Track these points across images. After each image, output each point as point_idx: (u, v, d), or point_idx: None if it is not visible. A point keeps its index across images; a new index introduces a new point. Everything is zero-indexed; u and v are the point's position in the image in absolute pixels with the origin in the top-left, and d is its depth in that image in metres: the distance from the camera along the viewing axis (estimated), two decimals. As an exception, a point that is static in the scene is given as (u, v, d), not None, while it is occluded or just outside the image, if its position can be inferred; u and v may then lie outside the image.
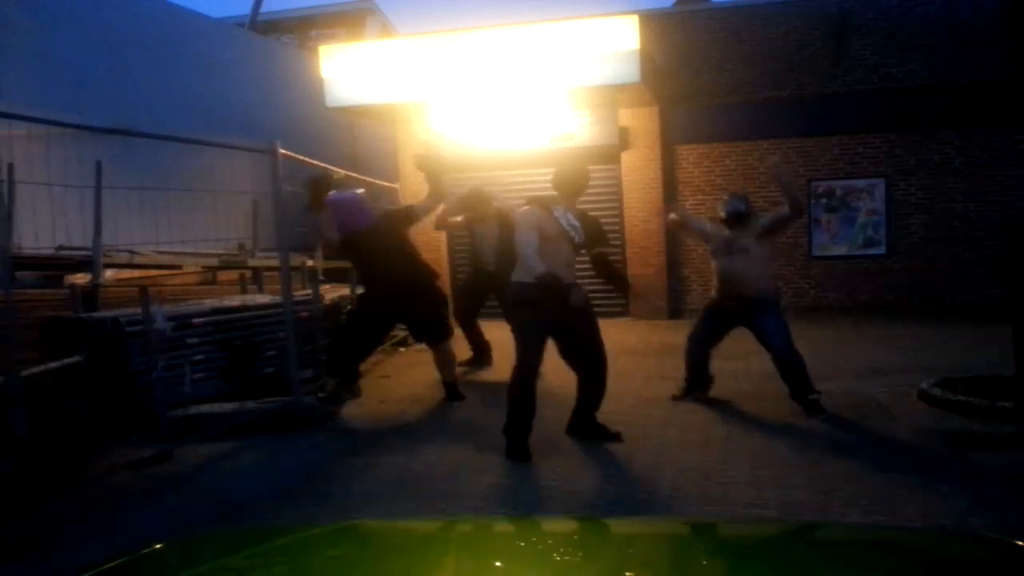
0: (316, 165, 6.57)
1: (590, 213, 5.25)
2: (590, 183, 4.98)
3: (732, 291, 5.54)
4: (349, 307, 7.51)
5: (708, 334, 5.78)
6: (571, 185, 4.76)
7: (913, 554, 1.36)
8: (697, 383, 5.86)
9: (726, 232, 5.61)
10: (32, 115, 5.15)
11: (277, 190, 5.69)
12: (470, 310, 7.46)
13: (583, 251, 4.89)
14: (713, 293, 5.83)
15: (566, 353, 4.87)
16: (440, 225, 7.54)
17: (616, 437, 4.84)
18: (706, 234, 5.86)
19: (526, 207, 4.76)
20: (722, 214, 5.66)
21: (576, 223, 4.67)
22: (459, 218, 7.36)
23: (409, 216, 6.43)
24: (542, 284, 4.38)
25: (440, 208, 6.84)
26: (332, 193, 6.08)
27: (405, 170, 10.90)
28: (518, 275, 4.61)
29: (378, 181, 8.76)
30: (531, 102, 9.69)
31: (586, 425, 4.92)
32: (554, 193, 4.79)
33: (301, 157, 6.19)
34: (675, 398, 5.86)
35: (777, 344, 5.45)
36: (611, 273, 5.18)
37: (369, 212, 6.21)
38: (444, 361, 6.26)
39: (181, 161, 7.98)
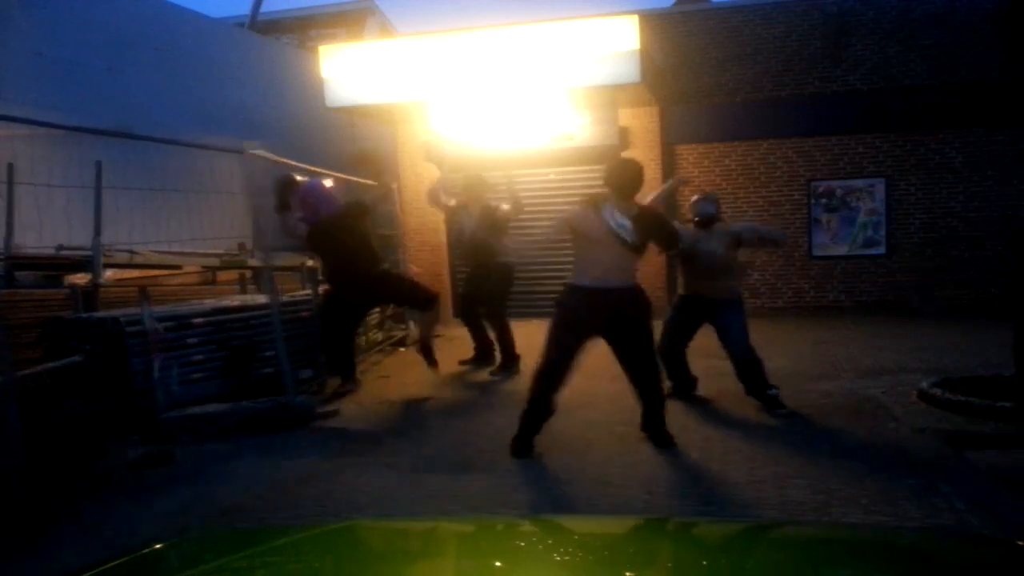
0: (292, 165, 6.63)
1: (658, 212, 5.04)
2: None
3: (698, 290, 5.61)
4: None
5: (677, 329, 5.75)
6: (623, 181, 4.52)
7: (913, 554, 1.36)
8: (682, 386, 5.83)
9: (694, 231, 5.64)
10: (32, 116, 5.15)
11: (250, 189, 5.71)
12: (471, 305, 7.37)
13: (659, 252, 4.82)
14: (679, 290, 5.84)
15: (620, 360, 4.71)
16: (432, 201, 7.74)
17: (671, 443, 4.66)
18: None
19: (577, 206, 4.62)
20: (693, 217, 5.69)
21: (626, 222, 4.43)
22: (453, 201, 7.41)
23: (363, 207, 6.68)
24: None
25: (433, 184, 7.51)
26: (301, 180, 6.40)
27: (404, 170, 10.92)
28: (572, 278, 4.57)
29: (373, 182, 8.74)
30: (531, 102, 9.69)
31: (654, 429, 4.76)
32: (606, 192, 4.58)
33: (272, 157, 6.21)
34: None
35: (737, 344, 5.52)
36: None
37: (333, 200, 6.45)
38: (427, 321, 6.72)
39: (181, 161, 7.97)
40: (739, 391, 5.91)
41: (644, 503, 3.93)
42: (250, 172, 5.60)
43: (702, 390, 5.88)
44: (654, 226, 4.62)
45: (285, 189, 6.24)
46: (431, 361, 6.64)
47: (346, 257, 6.25)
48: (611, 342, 4.64)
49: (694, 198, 5.84)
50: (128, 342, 5.38)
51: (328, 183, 6.79)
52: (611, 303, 4.46)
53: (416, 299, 6.72)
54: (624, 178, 4.53)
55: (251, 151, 5.61)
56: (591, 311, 4.46)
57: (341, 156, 9.51)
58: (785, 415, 5.33)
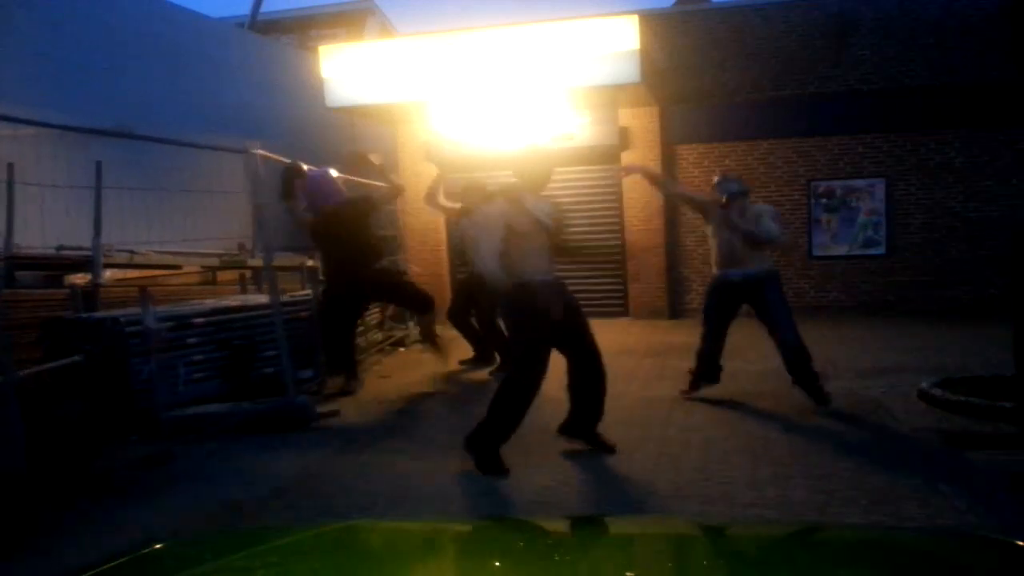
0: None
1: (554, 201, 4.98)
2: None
3: (732, 265, 5.55)
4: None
5: (720, 313, 5.67)
6: (537, 174, 4.44)
7: (913, 554, 1.36)
8: (708, 374, 5.76)
9: (723, 208, 5.60)
10: (32, 116, 5.15)
11: (253, 189, 5.71)
12: (461, 309, 7.39)
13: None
14: (714, 270, 5.76)
15: (572, 358, 4.54)
16: (429, 202, 7.52)
17: (612, 449, 4.60)
18: (704, 207, 5.83)
19: (493, 203, 4.40)
20: (721, 199, 5.60)
21: (548, 211, 4.39)
22: (450, 204, 7.38)
23: (369, 203, 6.72)
24: (530, 293, 4.19)
25: (431, 185, 7.32)
26: (307, 169, 6.41)
27: (404, 170, 10.91)
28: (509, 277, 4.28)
29: (377, 182, 8.74)
30: (531, 102, 9.69)
31: (584, 434, 4.68)
32: (516, 183, 4.46)
33: (277, 156, 6.21)
34: (684, 394, 5.79)
35: (786, 328, 5.46)
36: (572, 252, 4.87)
37: (338, 192, 6.49)
38: (426, 322, 6.78)
39: (181, 161, 7.98)
40: (740, 392, 5.91)
41: (645, 503, 3.93)
42: (253, 171, 5.59)
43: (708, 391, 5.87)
44: (559, 214, 4.62)
45: (290, 177, 6.30)
46: (436, 346, 6.56)
47: (344, 251, 6.27)
48: (561, 339, 4.46)
49: (715, 179, 5.83)
50: (128, 342, 5.38)
51: (334, 173, 6.72)
52: (560, 295, 4.38)
53: (414, 302, 6.73)
54: (538, 170, 4.46)
55: (253, 150, 5.62)
56: (554, 305, 4.29)
57: (340, 156, 9.51)
58: (824, 418, 5.26)
